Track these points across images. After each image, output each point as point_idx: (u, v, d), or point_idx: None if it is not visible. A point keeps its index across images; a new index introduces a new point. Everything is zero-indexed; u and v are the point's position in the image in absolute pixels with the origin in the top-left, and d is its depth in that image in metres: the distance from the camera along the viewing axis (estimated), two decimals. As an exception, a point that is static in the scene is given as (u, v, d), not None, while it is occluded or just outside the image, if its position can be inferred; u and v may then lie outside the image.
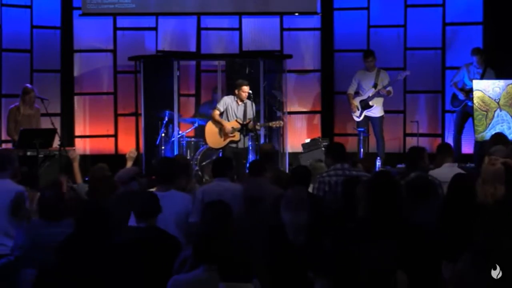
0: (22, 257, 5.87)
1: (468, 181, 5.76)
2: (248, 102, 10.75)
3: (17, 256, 5.99)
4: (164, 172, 6.51)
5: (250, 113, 10.72)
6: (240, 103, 10.76)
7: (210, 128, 10.83)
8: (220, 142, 10.76)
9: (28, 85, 10.70)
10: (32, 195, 6.78)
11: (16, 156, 7.40)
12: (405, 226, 4.71)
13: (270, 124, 11.08)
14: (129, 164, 7.93)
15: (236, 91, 10.74)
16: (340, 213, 5.91)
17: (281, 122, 11.24)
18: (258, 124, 10.82)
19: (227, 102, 10.81)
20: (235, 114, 10.75)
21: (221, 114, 10.80)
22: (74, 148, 10.82)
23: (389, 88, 11.49)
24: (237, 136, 10.73)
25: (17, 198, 6.55)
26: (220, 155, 10.62)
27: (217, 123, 10.77)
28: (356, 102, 11.64)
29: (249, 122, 10.66)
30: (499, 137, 8.89)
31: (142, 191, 5.63)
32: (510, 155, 7.82)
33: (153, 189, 6.49)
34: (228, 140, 10.75)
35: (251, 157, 10.88)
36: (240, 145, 10.77)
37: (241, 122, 10.67)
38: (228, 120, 10.77)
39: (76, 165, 7.79)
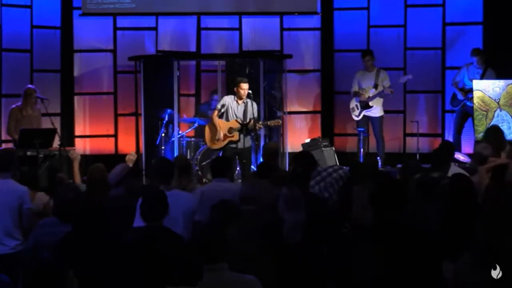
0: (23, 254, 5.94)
1: (467, 181, 5.77)
2: (249, 102, 10.57)
3: (18, 251, 6.08)
4: (165, 172, 6.45)
5: (251, 113, 10.53)
6: (240, 102, 10.58)
7: (209, 129, 10.77)
8: (219, 143, 10.68)
9: (30, 85, 10.69)
10: (32, 195, 6.78)
11: (17, 157, 7.39)
12: (405, 228, 4.71)
13: (269, 123, 10.95)
14: None
15: (235, 89, 10.55)
16: (335, 214, 5.93)
17: (279, 121, 11.13)
18: (259, 123, 10.69)
19: (227, 101, 10.64)
20: (235, 114, 10.58)
21: (221, 114, 10.69)
22: (74, 148, 10.83)
23: (391, 89, 11.50)
24: (236, 136, 10.60)
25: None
26: (220, 155, 10.57)
27: (214, 127, 10.65)
28: (356, 101, 11.65)
29: (250, 122, 10.53)
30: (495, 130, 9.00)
31: (151, 192, 5.50)
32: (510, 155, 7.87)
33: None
34: (227, 140, 10.65)
35: (252, 157, 10.87)
36: (240, 145, 10.59)
37: (241, 122, 10.56)
38: (228, 120, 10.64)
39: (76, 165, 7.77)
